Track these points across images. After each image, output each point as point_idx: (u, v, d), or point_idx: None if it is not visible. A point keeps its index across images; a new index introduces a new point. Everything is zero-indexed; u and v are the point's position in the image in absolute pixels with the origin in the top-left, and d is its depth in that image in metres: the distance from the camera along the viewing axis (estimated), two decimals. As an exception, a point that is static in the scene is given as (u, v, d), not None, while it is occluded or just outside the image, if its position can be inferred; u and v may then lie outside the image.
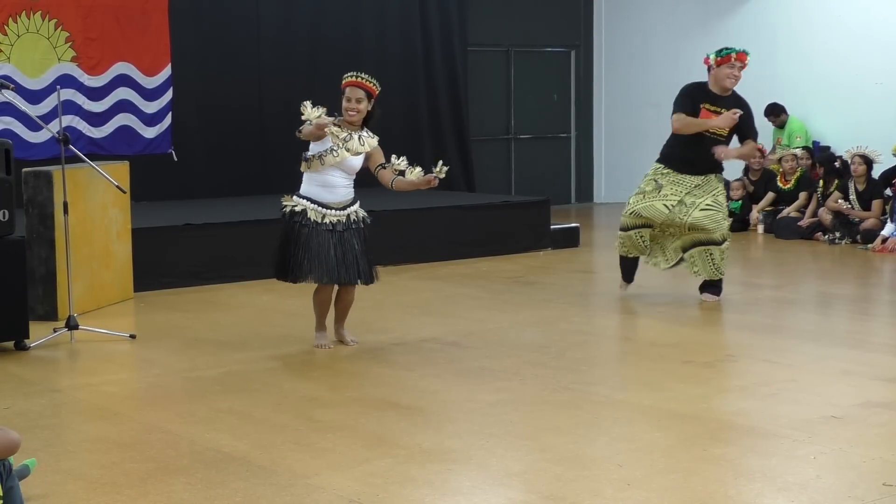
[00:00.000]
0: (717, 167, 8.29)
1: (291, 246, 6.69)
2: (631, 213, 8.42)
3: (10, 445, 3.47)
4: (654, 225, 8.42)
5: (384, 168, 6.83)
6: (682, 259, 8.44)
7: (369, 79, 6.76)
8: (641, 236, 8.47)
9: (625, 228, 8.50)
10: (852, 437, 4.93)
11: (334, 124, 6.66)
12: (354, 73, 6.76)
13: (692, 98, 8.20)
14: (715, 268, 8.33)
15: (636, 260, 8.69)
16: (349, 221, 6.77)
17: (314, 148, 6.67)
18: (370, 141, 6.82)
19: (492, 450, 4.82)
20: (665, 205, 8.26)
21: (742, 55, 8.15)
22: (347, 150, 6.70)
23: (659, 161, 8.45)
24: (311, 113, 6.57)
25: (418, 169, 6.77)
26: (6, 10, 11.17)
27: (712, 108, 8.19)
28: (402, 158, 6.81)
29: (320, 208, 6.70)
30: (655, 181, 8.34)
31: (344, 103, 6.73)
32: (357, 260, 6.78)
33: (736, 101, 8.19)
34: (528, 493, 4.30)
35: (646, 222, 8.42)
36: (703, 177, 8.25)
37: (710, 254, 8.28)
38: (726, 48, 8.22)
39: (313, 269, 6.67)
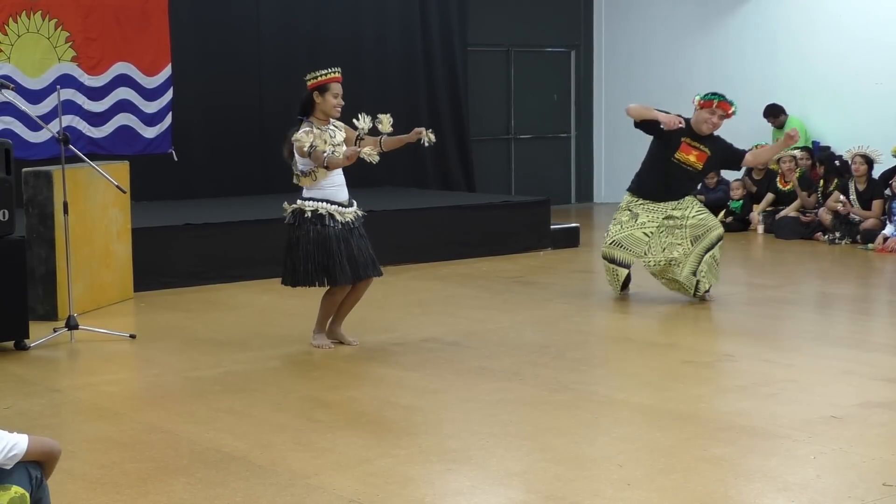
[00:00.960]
0: (690, 192, 8.54)
1: (321, 250, 6.62)
2: (611, 243, 8.44)
3: (51, 452, 3.36)
4: (631, 263, 8.42)
5: (363, 139, 6.85)
6: (698, 283, 8.31)
7: (338, 70, 6.84)
8: (617, 275, 8.50)
9: (604, 258, 8.55)
10: (852, 437, 4.93)
11: (315, 128, 6.68)
12: (335, 70, 6.77)
13: (670, 133, 8.21)
14: (718, 266, 8.41)
15: (626, 276, 8.64)
16: (357, 218, 6.81)
17: (308, 162, 6.63)
18: (338, 124, 6.87)
19: (492, 450, 4.82)
20: (644, 233, 8.33)
21: (725, 104, 8.23)
22: (337, 144, 6.74)
23: (631, 192, 8.51)
24: (307, 139, 6.53)
25: (387, 116, 6.79)
26: (6, 10, 11.17)
27: (693, 144, 8.29)
28: (362, 117, 6.81)
29: (340, 208, 6.71)
30: (630, 210, 8.41)
31: (331, 100, 6.71)
32: (372, 254, 6.84)
33: (712, 141, 8.32)
34: (528, 493, 4.30)
35: (624, 259, 8.41)
36: (677, 200, 8.36)
37: (714, 256, 8.31)
38: (713, 94, 8.31)
39: (351, 271, 6.67)
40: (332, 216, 6.67)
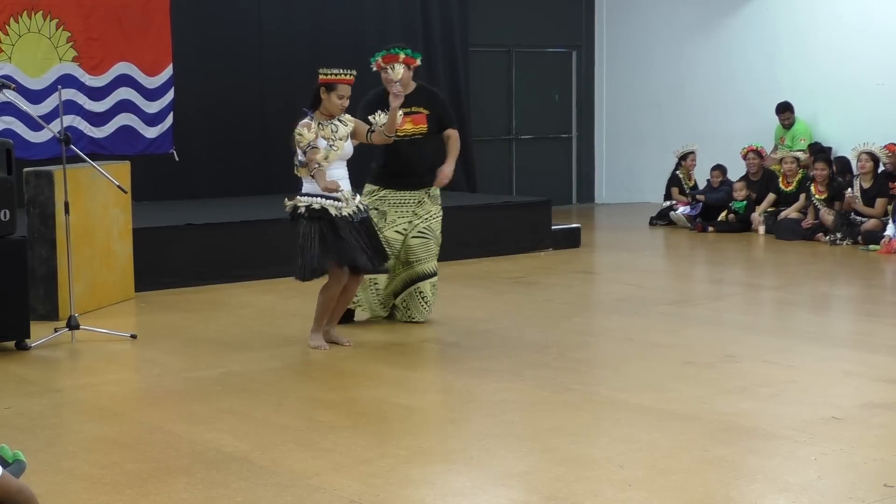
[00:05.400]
0: (427, 180, 7.60)
1: (313, 242, 6.64)
2: None
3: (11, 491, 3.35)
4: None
5: (374, 132, 6.92)
6: (393, 305, 7.72)
7: (352, 73, 6.85)
8: (375, 283, 7.62)
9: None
10: (853, 438, 4.93)
11: (318, 124, 6.72)
12: (350, 73, 6.78)
13: (369, 107, 7.28)
14: (427, 306, 7.65)
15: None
16: (360, 212, 6.80)
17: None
18: (346, 117, 6.89)
19: (492, 450, 4.82)
20: (397, 231, 7.53)
21: (389, 57, 7.27)
22: (341, 138, 6.74)
23: (370, 181, 7.64)
24: (309, 135, 6.62)
25: (400, 65, 6.99)
26: (7, 10, 11.17)
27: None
28: (378, 116, 6.97)
29: (336, 202, 6.71)
30: (377, 209, 7.44)
31: (335, 100, 6.73)
32: (378, 247, 6.87)
33: (423, 96, 7.55)
34: (529, 494, 4.30)
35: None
36: (417, 193, 7.57)
37: (421, 293, 7.61)
38: (377, 55, 7.38)
39: (339, 257, 6.67)
40: (325, 210, 6.68)
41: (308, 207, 6.69)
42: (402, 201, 7.56)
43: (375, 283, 7.62)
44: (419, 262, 7.57)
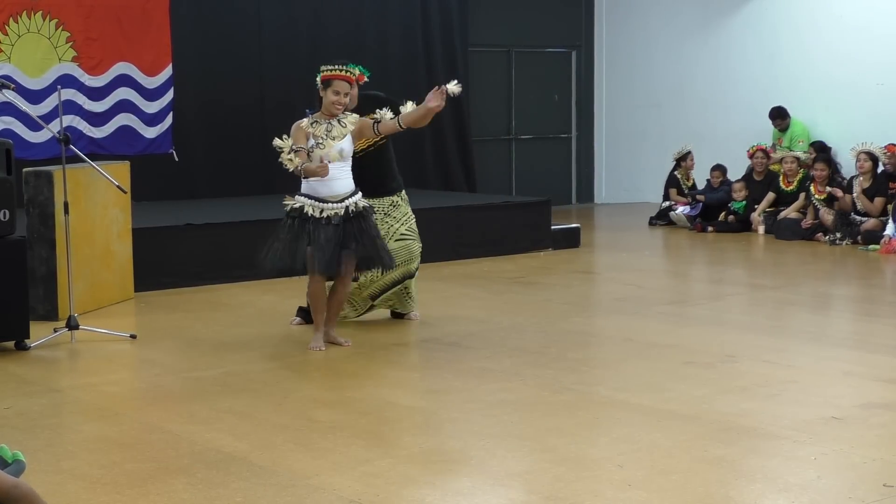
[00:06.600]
0: (396, 184, 7.53)
1: (284, 241, 6.72)
2: None
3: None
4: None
5: (380, 122, 6.83)
6: (372, 306, 7.73)
7: (352, 70, 6.82)
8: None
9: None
10: (853, 438, 4.93)
11: (312, 121, 6.74)
12: (340, 67, 6.75)
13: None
14: (412, 301, 7.78)
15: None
16: (347, 213, 6.77)
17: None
18: (350, 119, 6.84)
19: (492, 450, 4.82)
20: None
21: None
22: (332, 138, 6.71)
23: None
24: (287, 143, 6.63)
25: (410, 103, 6.74)
26: (7, 10, 11.17)
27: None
28: (383, 111, 6.93)
29: (318, 203, 6.71)
30: None
31: (331, 97, 6.71)
32: (359, 249, 6.82)
33: (368, 103, 7.23)
34: (529, 494, 4.30)
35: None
36: (390, 197, 7.49)
37: (407, 289, 7.68)
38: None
39: (308, 260, 6.70)
40: (301, 209, 6.72)
41: (291, 207, 6.78)
42: (375, 208, 7.28)
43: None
44: (404, 264, 7.51)
